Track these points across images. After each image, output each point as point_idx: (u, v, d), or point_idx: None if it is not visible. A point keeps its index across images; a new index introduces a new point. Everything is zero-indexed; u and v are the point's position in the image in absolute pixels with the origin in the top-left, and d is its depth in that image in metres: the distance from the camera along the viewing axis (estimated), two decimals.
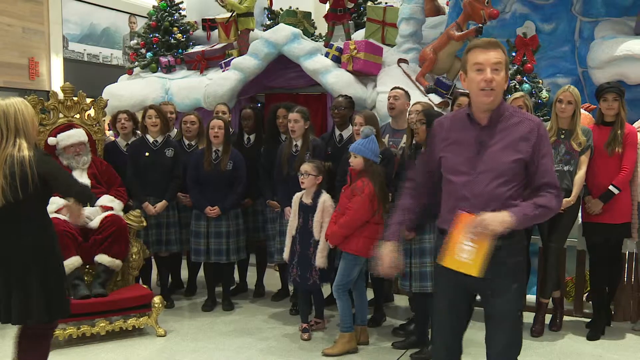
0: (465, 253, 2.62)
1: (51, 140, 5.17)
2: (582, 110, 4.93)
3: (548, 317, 5.02)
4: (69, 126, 5.33)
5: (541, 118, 5.71)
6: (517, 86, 5.93)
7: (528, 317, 5.09)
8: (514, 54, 6.12)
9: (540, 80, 6.08)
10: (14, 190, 3.14)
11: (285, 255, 4.84)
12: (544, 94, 5.95)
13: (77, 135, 5.18)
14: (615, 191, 4.64)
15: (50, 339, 3.53)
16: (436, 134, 2.87)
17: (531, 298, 5.41)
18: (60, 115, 5.41)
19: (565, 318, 5.12)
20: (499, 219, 2.55)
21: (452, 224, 2.66)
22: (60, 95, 5.48)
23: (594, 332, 4.83)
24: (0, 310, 3.28)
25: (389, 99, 5.25)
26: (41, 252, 3.30)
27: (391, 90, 5.30)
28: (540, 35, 6.33)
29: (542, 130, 2.70)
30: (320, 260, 4.60)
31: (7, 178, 3.13)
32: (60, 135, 5.17)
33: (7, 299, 3.26)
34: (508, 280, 2.73)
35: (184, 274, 6.19)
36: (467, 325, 2.93)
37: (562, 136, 4.72)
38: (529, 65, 6.03)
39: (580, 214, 4.90)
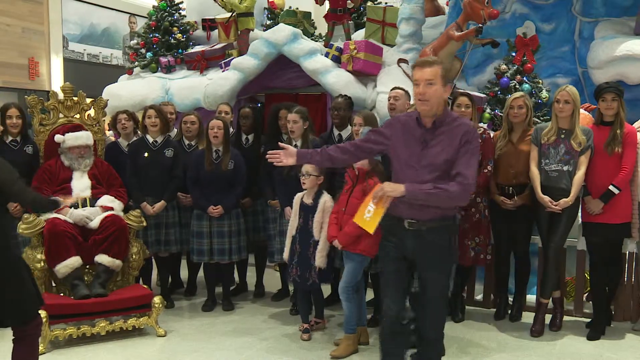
0: (368, 213, 3.33)
1: (58, 138, 5.17)
2: (582, 110, 4.93)
3: (548, 318, 5.01)
4: (77, 127, 5.34)
5: (541, 118, 5.73)
6: (517, 86, 5.93)
7: (528, 317, 5.11)
8: (513, 54, 6.12)
9: (540, 81, 6.08)
10: None
11: (285, 255, 4.84)
12: (544, 94, 5.95)
13: (84, 137, 5.19)
14: (615, 191, 4.63)
15: (30, 341, 3.41)
16: (393, 126, 3.42)
17: (531, 298, 5.42)
18: (60, 115, 5.42)
19: (565, 318, 5.12)
20: (394, 187, 3.20)
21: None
22: (60, 95, 5.48)
23: (594, 332, 4.83)
24: None
25: (389, 99, 5.25)
26: None
27: (391, 90, 5.30)
28: (540, 35, 6.32)
29: (472, 134, 3.25)
30: (320, 260, 4.60)
31: None
32: (68, 135, 5.17)
33: None
34: (436, 257, 3.33)
35: (184, 273, 6.19)
36: (409, 287, 3.51)
37: (562, 136, 4.71)
38: (528, 65, 6.03)
39: (580, 214, 4.90)
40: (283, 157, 3.56)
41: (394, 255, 3.42)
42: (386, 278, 3.51)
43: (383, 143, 3.42)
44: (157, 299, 4.86)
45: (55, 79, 12.46)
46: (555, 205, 4.68)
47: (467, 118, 4.89)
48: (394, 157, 3.38)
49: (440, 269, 3.38)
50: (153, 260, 5.71)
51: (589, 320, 5.04)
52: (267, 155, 3.65)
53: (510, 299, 5.34)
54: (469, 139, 3.22)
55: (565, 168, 4.71)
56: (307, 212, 4.71)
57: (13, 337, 3.38)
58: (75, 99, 5.46)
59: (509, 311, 5.27)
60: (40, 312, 3.50)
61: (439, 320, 3.44)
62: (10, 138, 5.32)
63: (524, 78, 6.00)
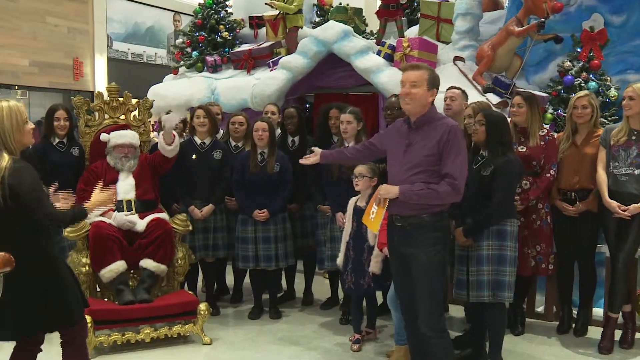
0: (372, 214, 3.84)
1: (103, 137, 5.29)
2: None
3: (618, 334, 4.85)
4: (124, 126, 5.47)
5: (609, 118, 5.59)
6: (582, 84, 5.80)
7: (594, 333, 4.98)
8: (579, 49, 5.98)
9: (608, 78, 5.92)
10: None
11: (339, 261, 4.85)
12: (612, 92, 5.79)
13: (129, 136, 5.29)
14: None
15: (79, 343, 3.51)
16: (386, 134, 3.97)
17: (598, 312, 5.25)
18: (106, 116, 5.53)
19: (638, 335, 4.93)
20: (388, 189, 3.63)
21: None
22: (106, 96, 5.59)
23: None
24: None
25: (445, 100, 5.21)
26: (29, 267, 3.23)
27: (448, 90, 5.25)
28: (609, 29, 6.11)
29: (453, 133, 3.55)
30: (375, 266, 4.59)
31: None
32: (114, 133, 5.30)
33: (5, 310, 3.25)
34: (424, 250, 3.62)
35: (230, 279, 6.25)
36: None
37: (634, 137, 4.59)
38: (595, 61, 5.88)
39: None
40: (312, 157, 4.23)
41: (392, 251, 3.90)
42: (394, 276, 4.03)
43: (379, 149, 3.98)
44: (202, 306, 4.91)
45: (99, 79, 12.76)
46: (624, 211, 4.56)
47: (521, 117, 4.86)
48: (387, 160, 3.85)
49: (424, 263, 3.63)
50: (199, 266, 5.78)
51: None
52: (300, 161, 4.35)
53: (575, 311, 5.22)
54: (450, 137, 3.54)
55: (636, 172, 4.57)
56: (360, 215, 4.69)
57: (61, 341, 3.47)
58: (120, 99, 5.56)
59: (573, 325, 5.14)
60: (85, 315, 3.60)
61: (432, 315, 3.68)
62: (57, 140, 5.46)
63: (590, 75, 5.86)
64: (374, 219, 3.84)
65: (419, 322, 3.70)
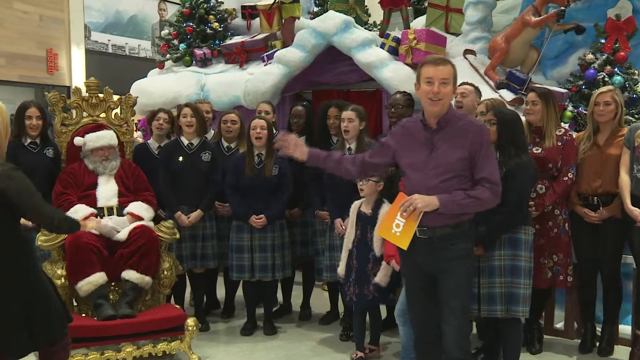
0: (397, 228, 3.51)
1: (78, 140, 5.28)
2: None
3: None
4: (98, 126, 5.44)
5: (636, 116, 5.62)
6: (605, 79, 5.80)
7: (622, 352, 5.00)
8: (603, 40, 5.97)
9: (635, 71, 5.92)
10: None
11: (339, 269, 4.88)
12: None
13: (107, 137, 5.28)
14: None
15: None
16: (396, 135, 3.75)
17: (625, 329, 5.25)
18: (84, 114, 5.52)
19: None
20: (427, 200, 3.40)
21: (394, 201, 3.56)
22: (84, 92, 5.60)
23: None
24: None
25: (455, 96, 5.25)
26: (11, 278, 3.29)
27: (459, 85, 5.30)
28: (638, 17, 6.08)
29: (485, 134, 3.54)
30: (384, 278, 4.64)
31: None
32: (89, 136, 5.27)
33: None
34: (456, 262, 3.53)
35: (220, 292, 6.28)
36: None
37: None
38: (621, 53, 5.87)
39: None
40: (292, 149, 3.84)
41: (412, 272, 3.76)
42: (410, 297, 3.87)
43: (388, 155, 3.76)
44: (190, 321, 4.91)
45: (77, 73, 12.75)
46: None
47: (536, 116, 4.91)
48: (402, 165, 3.72)
49: (458, 277, 3.56)
50: (186, 277, 5.81)
51: None
52: (277, 138, 3.96)
53: (599, 328, 5.22)
54: (482, 140, 3.50)
55: None
56: (365, 223, 4.74)
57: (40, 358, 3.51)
58: (100, 96, 5.55)
59: (597, 343, 5.14)
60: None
61: (462, 336, 3.61)
62: (29, 140, 5.46)
63: (615, 69, 5.86)
64: (402, 233, 3.49)
65: (448, 345, 3.58)
